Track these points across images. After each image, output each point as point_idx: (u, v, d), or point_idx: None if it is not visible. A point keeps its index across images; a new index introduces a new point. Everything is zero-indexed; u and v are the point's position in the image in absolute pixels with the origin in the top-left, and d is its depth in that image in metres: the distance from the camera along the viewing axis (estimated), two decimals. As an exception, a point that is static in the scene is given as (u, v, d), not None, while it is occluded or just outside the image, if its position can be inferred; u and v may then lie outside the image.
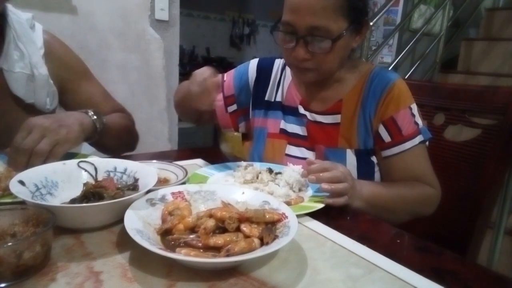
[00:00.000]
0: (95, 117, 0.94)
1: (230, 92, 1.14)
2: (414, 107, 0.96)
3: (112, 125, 1.01)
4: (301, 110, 1.04)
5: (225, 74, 1.17)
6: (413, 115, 0.94)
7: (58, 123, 0.81)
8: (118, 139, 1.06)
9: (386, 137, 0.94)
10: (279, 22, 0.94)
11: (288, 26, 0.90)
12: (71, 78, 1.10)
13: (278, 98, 1.10)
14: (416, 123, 0.94)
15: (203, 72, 0.88)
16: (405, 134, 0.93)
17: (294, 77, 1.05)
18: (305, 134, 1.03)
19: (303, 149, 1.03)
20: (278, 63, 1.14)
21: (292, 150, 1.04)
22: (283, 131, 1.06)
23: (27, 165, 0.74)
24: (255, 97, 1.13)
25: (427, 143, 0.96)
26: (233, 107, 1.15)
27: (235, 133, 1.11)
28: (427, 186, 0.93)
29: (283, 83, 1.10)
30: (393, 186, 0.91)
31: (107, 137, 0.98)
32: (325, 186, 0.75)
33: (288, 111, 1.07)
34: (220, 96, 1.11)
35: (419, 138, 0.93)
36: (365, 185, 0.85)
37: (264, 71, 1.13)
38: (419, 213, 0.94)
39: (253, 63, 1.15)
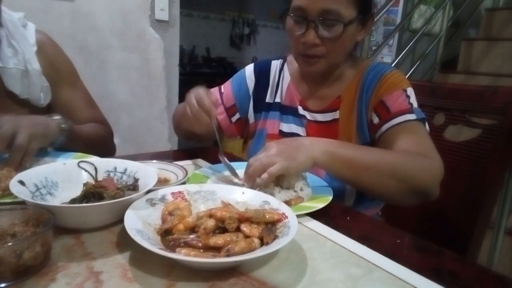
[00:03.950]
0: (58, 117, 0.94)
1: (230, 103, 1.14)
2: (410, 90, 0.93)
3: (79, 131, 1.00)
4: (301, 110, 1.04)
5: (222, 86, 1.17)
6: (408, 97, 0.92)
7: (30, 121, 0.84)
8: (87, 149, 1.04)
9: (375, 119, 0.93)
10: (287, 10, 0.93)
11: (299, 11, 0.90)
12: (56, 79, 1.10)
13: (277, 99, 1.09)
14: (410, 104, 0.91)
15: (197, 93, 0.87)
16: (393, 112, 0.90)
17: (300, 69, 1.04)
18: (305, 135, 1.03)
19: None
20: (275, 64, 1.13)
21: None
22: (282, 133, 1.06)
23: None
24: (255, 102, 1.13)
25: (427, 127, 0.92)
26: (236, 116, 1.14)
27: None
28: (424, 156, 0.83)
29: (282, 83, 1.10)
30: (372, 147, 0.87)
31: (74, 143, 0.97)
32: (250, 182, 0.74)
33: (287, 111, 1.07)
34: (221, 109, 1.13)
35: (411, 116, 0.89)
36: (327, 139, 0.81)
37: (262, 75, 1.13)
38: (413, 180, 0.80)
39: (249, 70, 1.15)
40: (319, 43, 0.91)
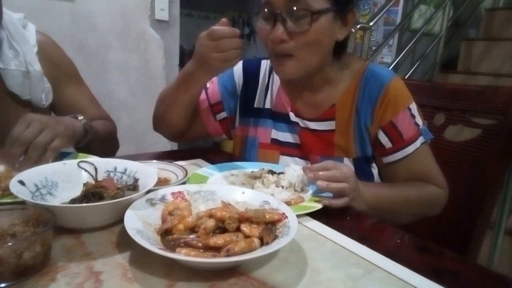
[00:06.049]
0: (84, 121, 0.96)
1: (216, 99, 1.08)
2: (414, 106, 0.92)
3: (98, 131, 1.02)
4: (293, 117, 0.99)
5: (208, 82, 1.10)
6: (413, 116, 0.91)
7: (55, 120, 0.84)
8: (102, 146, 1.07)
9: (387, 143, 0.91)
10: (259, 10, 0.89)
11: (266, 5, 0.85)
12: (60, 79, 1.11)
13: (267, 105, 1.04)
14: (417, 124, 0.91)
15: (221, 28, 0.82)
16: (406, 138, 0.90)
17: (274, 71, 0.99)
18: (299, 142, 0.99)
19: (297, 158, 0.99)
20: (265, 64, 1.08)
21: (286, 160, 1.00)
22: (275, 141, 1.02)
23: (22, 156, 0.76)
24: (243, 104, 1.08)
25: (429, 141, 0.94)
26: (222, 115, 1.09)
27: None
28: (433, 186, 0.91)
29: (272, 87, 1.05)
30: (397, 187, 0.90)
31: (93, 142, 0.99)
32: (320, 183, 0.72)
33: (279, 118, 1.02)
34: (205, 105, 1.08)
35: (420, 140, 0.91)
36: (368, 187, 0.82)
37: (251, 74, 1.08)
38: (426, 214, 0.93)
39: (238, 67, 1.08)
40: (287, 39, 0.84)
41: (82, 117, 0.96)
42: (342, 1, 0.87)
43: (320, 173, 0.74)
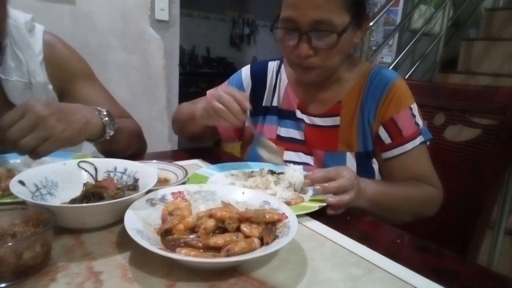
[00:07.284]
0: (106, 119, 0.87)
1: None
2: (415, 107, 0.94)
3: (124, 129, 0.94)
4: (299, 114, 1.02)
5: (218, 89, 1.11)
6: (414, 116, 0.93)
7: (57, 115, 0.75)
8: (127, 145, 1.00)
9: (386, 139, 0.93)
10: (278, 20, 0.91)
11: (289, 22, 0.87)
12: (71, 79, 1.06)
13: (274, 103, 1.07)
14: (417, 124, 0.93)
15: (226, 89, 0.88)
16: (406, 135, 0.92)
17: (296, 76, 1.03)
18: (303, 138, 1.02)
19: (301, 154, 1.01)
20: (272, 66, 1.11)
21: (290, 155, 1.02)
22: (280, 138, 1.04)
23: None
24: (252, 106, 1.07)
25: (427, 143, 0.96)
26: None
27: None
28: (430, 186, 0.92)
29: (279, 86, 1.08)
30: (397, 186, 0.90)
31: (116, 142, 0.92)
32: (331, 199, 0.72)
33: (285, 115, 1.05)
34: None
35: (419, 139, 0.92)
36: (369, 184, 0.83)
37: (259, 77, 1.10)
38: (421, 214, 0.93)
39: (246, 72, 1.12)
40: (313, 54, 0.88)
41: (105, 113, 0.87)
42: (360, 10, 0.90)
43: (327, 185, 0.74)
